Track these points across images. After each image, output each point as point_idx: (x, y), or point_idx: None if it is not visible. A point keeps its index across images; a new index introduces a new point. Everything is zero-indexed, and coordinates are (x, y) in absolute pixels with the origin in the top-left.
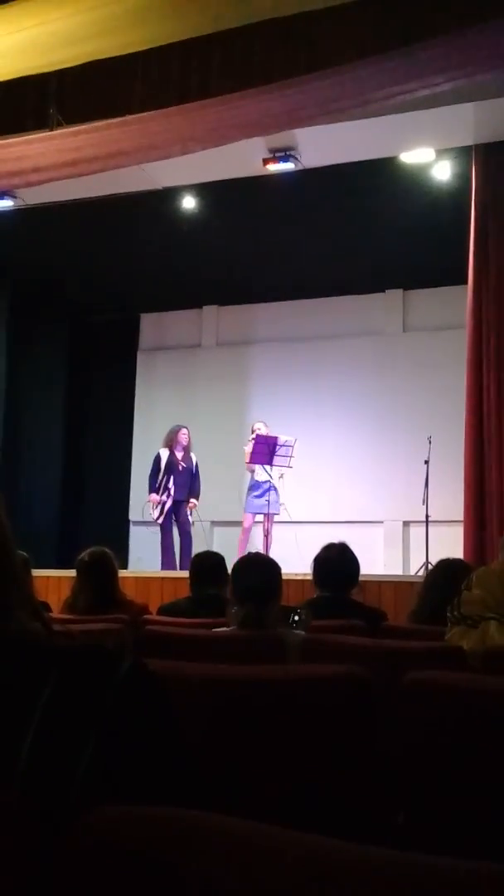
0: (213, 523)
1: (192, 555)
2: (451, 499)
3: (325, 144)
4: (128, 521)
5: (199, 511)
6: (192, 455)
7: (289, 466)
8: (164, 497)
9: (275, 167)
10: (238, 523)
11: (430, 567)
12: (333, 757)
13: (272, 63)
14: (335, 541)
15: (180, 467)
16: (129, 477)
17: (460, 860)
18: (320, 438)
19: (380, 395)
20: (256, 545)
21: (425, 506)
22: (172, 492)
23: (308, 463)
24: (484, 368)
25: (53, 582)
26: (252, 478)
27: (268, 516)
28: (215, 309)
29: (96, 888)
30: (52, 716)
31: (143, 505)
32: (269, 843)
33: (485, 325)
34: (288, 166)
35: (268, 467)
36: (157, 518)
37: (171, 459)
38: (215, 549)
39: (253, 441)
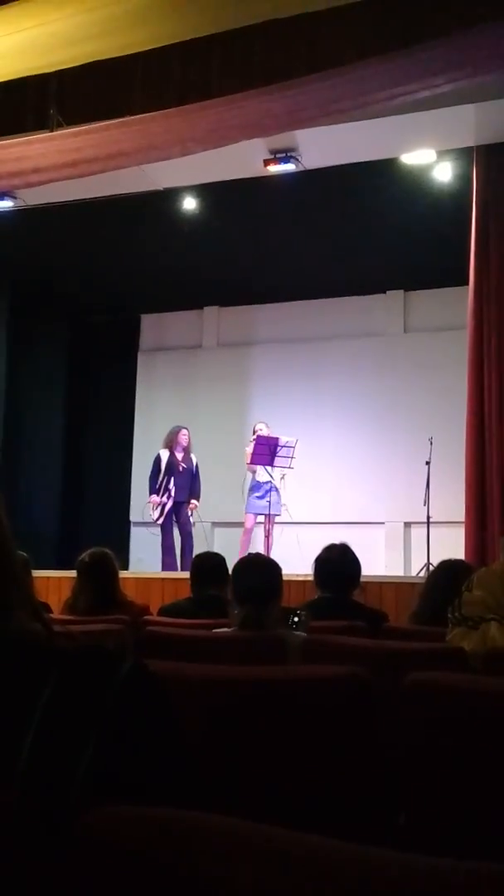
0: (214, 524)
1: (193, 555)
2: (452, 500)
3: (326, 145)
4: (128, 522)
5: (200, 512)
6: (193, 456)
7: (290, 467)
8: (164, 498)
9: (275, 168)
10: (239, 524)
11: (431, 568)
12: (334, 758)
13: (273, 64)
14: (336, 542)
15: (181, 468)
16: (129, 478)
17: (461, 861)
18: (321, 439)
19: (381, 395)
20: (258, 546)
21: (426, 507)
22: (173, 493)
23: (309, 464)
24: (485, 369)
25: (54, 583)
26: (253, 478)
27: (269, 517)
28: (216, 310)
29: (96, 888)
30: (52, 716)
31: (144, 506)
32: (269, 844)
33: (486, 325)
34: (289, 167)
35: (269, 468)
36: (157, 519)
37: (172, 460)
38: (216, 549)
39: (254, 442)
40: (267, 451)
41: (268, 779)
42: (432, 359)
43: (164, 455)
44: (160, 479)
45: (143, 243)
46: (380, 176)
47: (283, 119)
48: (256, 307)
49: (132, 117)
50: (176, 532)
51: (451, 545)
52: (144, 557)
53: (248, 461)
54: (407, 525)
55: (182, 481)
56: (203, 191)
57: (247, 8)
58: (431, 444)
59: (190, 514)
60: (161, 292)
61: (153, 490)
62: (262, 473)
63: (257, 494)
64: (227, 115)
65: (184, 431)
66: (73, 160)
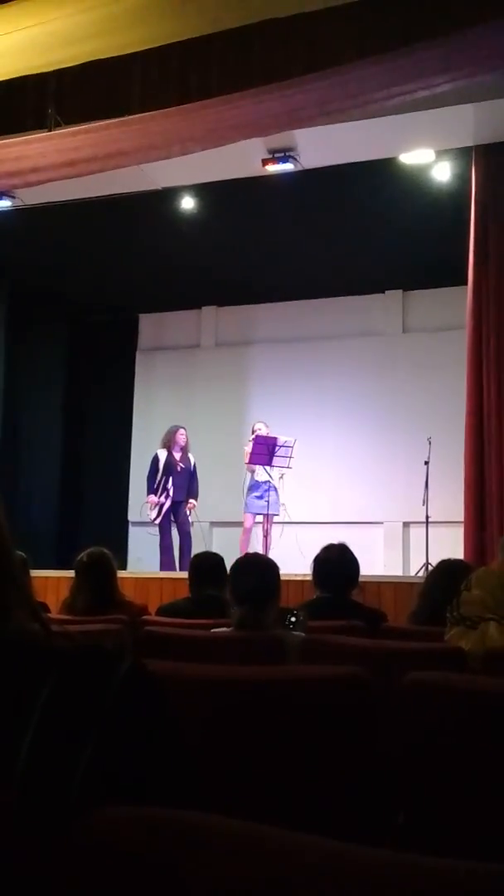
0: (213, 524)
1: (192, 555)
2: (451, 500)
3: (325, 145)
4: (127, 522)
5: (198, 512)
6: (190, 455)
7: (288, 467)
8: (162, 498)
9: (274, 168)
10: (237, 524)
11: (430, 568)
12: (333, 758)
13: (271, 63)
14: (335, 541)
15: (179, 468)
16: (128, 477)
17: (460, 861)
18: (320, 439)
19: (379, 395)
20: (257, 546)
21: (425, 507)
22: (171, 492)
23: (308, 464)
24: (484, 369)
25: (52, 582)
26: (252, 478)
27: (267, 517)
28: (214, 309)
29: (96, 889)
30: (50, 716)
31: (141, 506)
32: (268, 845)
33: (485, 325)
34: (287, 167)
35: (268, 468)
36: (155, 519)
37: (170, 460)
38: (214, 549)
39: (252, 441)
40: (265, 450)
41: (267, 779)
42: (431, 359)
43: (162, 455)
44: (158, 478)
45: (142, 243)
46: (378, 176)
47: (282, 118)
48: (255, 307)
49: (131, 117)
50: (174, 532)
51: (450, 545)
52: (143, 557)
53: (247, 461)
54: (406, 525)
55: (180, 481)
56: (201, 190)
57: (245, 8)
58: (430, 443)
59: (188, 513)
60: (159, 292)
61: (151, 490)
62: (260, 473)
63: (256, 494)
64: (225, 115)
65: (181, 431)
66: (71, 160)
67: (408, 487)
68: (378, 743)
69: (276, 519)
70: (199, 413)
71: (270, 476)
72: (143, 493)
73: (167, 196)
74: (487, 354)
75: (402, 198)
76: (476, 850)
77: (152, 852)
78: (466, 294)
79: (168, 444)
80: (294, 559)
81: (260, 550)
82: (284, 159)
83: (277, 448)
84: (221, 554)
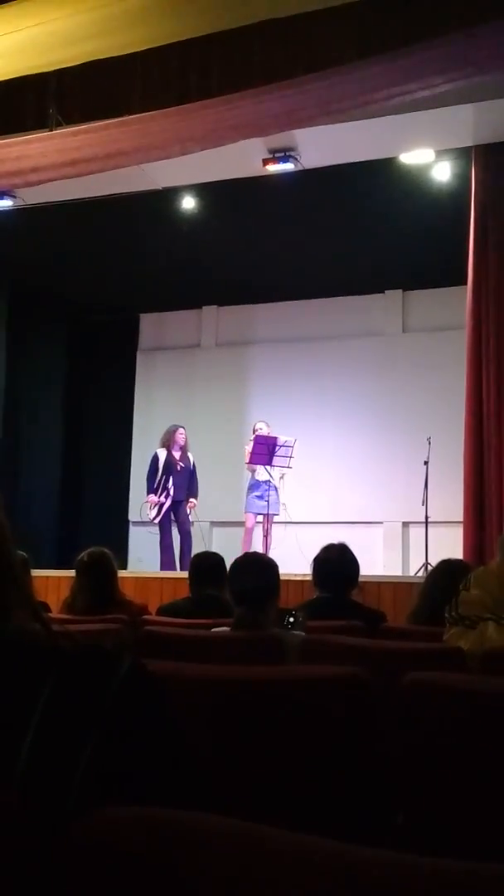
0: (213, 523)
1: (192, 555)
2: (450, 500)
3: (325, 145)
4: (127, 522)
5: (199, 511)
6: (190, 455)
7: (288, 467)
8: (162, 498)
9: (274, 168)
10: (237, 523)
11: (429, 568)
12: (332, 758)
13: (272, 63)
14: (335, 541)
15: (178, 467)
16: (128, 477)
17: (460, 861)
18: (320, 439)
19: (379, 395)
20: (259, 545)
21: (425, 507)
22: (171, 492)
23: (308, 464)
24: (483, 369)
25: (53, 582)
26: (252, 477)
27: (267, 517)
28: (215, 309)
29: (95, 889)
30: (51, 716)
31: (141, 505)
32: (268, 845)
33: (484, 325)
34: (287, 167)
35: (268, 467)
36: (154, 518)
37: (169, 460)
38: (215, 549)
39: (253, 441)
40: (265, 450)
41: (266, 779)
42: (431, 359)
43: (162, 454)
44: (158, 478)
45: (143, 243)
46: (378, 175)
47: (282, 119)
48: (255, 307)
49: (131, 117)
50: (174, 531)
51: (450, 545)
52: (144, 557)
53: (247, 460)
54: (405, 525)
55: (180, 480)
56: (202, 190)
57: (245, 8)
58: (430, 443)
59: (189, 512)
60: (160, 291)
61: (151, 489)
62: (261, 473)
63: (256, 494)
64: (226, 115)
65: (180, 430)
66: (72, 159)
67: (407, 487)
68: (377, 743)
69: (276, 519)
70: (200, 413)
71: (271, 476)
72: (144, 493)
73: (168, 196)
74: (487, 354)
75: (402, 198)
76: (476, 851)
77: (152, 852)
78: (466, 294)
79: (167, 443)
80: (294, 559)
81: (261, 550)
82: (285, 159)
83: (278, 448)
84: (222, 554)
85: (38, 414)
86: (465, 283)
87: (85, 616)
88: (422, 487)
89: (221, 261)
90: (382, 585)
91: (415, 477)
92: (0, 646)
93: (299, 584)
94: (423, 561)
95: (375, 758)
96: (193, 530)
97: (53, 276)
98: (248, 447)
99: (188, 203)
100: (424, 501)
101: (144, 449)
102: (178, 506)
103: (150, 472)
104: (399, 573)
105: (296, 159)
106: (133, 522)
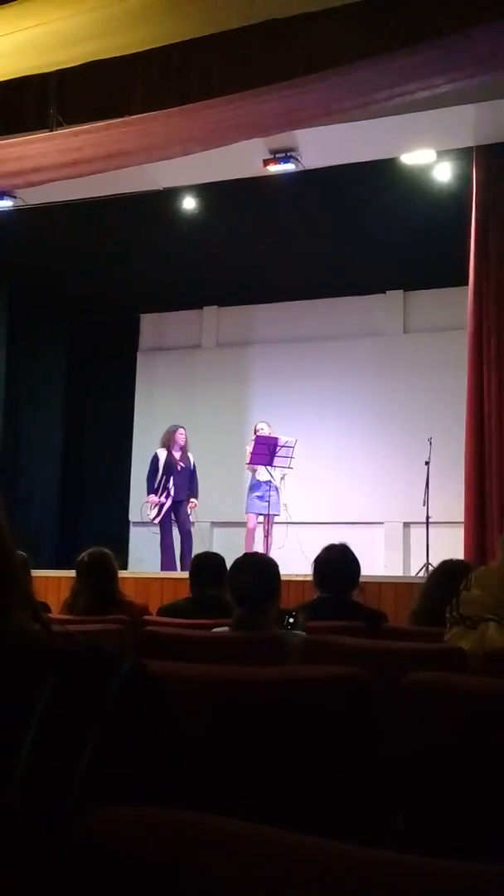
0: (213, 524)
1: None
2: (451, 500)
3: (326, 145)
4: (128, 522)
5: (199, 511)
6: (190, 454)
7: (289, 468)
8: (163, 498)
9: (275, 168)
10: (238, 524)
11: (430, 568)
12: (333, 758)
13: (272, 64)
14: (336, 542)
15: (179, 467)
16: (128, 477)
17: (460, 862)
18: (321, 439)
19: (380, 396)
20: (259, 546)
21: (426, 507)
22: (172, 492)
23: (308, 464)
24: (484, 370)
25: (53, 582)
26: (253, 477)
27: (268, 517)
28: (215, 309)
29: (95, 890)
30: (51, 717)
31: (141, 505)
32: (268, 845)
33: (485, 326)
34: (288, 167)
35: (269, 468)
36: (155, 518)
37: (170, 460)
38: (215, 549)
39: (253, 441)
40: (266, 450)
41: (267, 779)
42: (432, 359)
43: (162, 454)
44: (158, 478)
45: (143, 243)
46: (379, 176)
47: (283, 119)
48: (256, 307)
49: (132, 117)
50: (175, 531)
51: (451, 545)
52: (144, 557)
53: (248, 461)
54: (406, 525)
55: (180, 480)
56: (203, 190)
57: (246, 8)
58: (431, 444)
59: (189, 512)
60: (160, 292)
61: (151, 490)
62: (262, 473)
63: (257, 494)
64: (227, 115)
65: (180, 430)
66: (73, 160)
67: (408, 488)
68: (378, 743)
69: (276, 519)
70: (200, 413)
71: (272, 476)
72: (144, 493)
73: (168, 196)
74: (488, 354)
75: (403, 198)
76: (476, 851)
77: (152, 852)
78: (467, 294)
79: (167, 443)
80: (295, 559)
81: (261, 551)
82: (286, 159)
83: (278, 448)
84: (222, 554)
85: (38, 414)
86: (466, 284)
87: (85, 616)
88: (423, 488)
89: (222, 261)
90: (383, 586)
91: (416, 477)
92: (0, 646)
93: (300, 584)
94: (424, 561)
95: (376, 758)
96: (194, 530)
97: (53, 276)
98: (249, 447)
99: (189, 203)
100: (425, 502)
101: (145, 449)
102: (178, 506)
103: (150, 472)
104: (400, 573)
105: (297, 160)
106: (133, 522)
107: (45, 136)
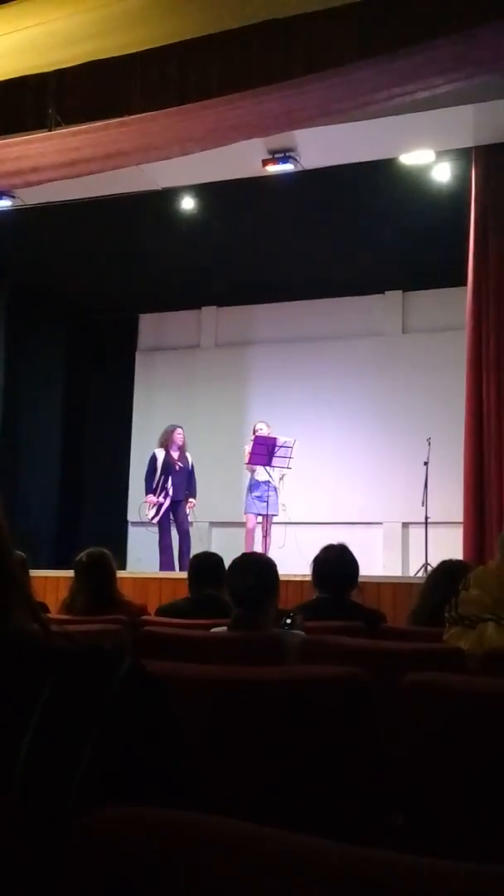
0: (212, 524)
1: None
2: (450, 500)
3: (325, 146)
4: (126, 522)
5: (198, 511)
6: (188, 454)
7: (288, 468)
8: (161, 498)
9: (274, 168)
10: (237, 524)
11: (429, 569)
12: (332, 758)
13: (271, 64)
14: (334, 542)
15: (177, 467)
16: (127, 477)
17: (460, 862)
18: (319, 440)
19: (379, 396)
20: (259, 546)
21: (424, 507)
22: (171, 492)
23: (307, 464)
24: (483, 370)
25: (51, 582)
26: (252, 477)
27: (267, 517)
28: (214, 310)
29: (95, 890)
30: (50, 717)
31: (140, 506)
32: (268, 845)
33: (484, 326)
34: (287, 167)
35: (268, 468)
36: (153, 518)
37: (168, 460)
38: (214, 549)
39: (252, 441)
40: (265, 451)
41: (266, 779)
42: (431, 359)
43: (160, 454)
44: (156, 478)
45: (142, 243)
46: (378, 176)
47: (282, 119)
48: (254, 307)
49: (131, 117)
50: (174, 531)
51: (450, 546)
52: (143, 557)
53: (247, 461)
54: (405, 525)
55: (179, 480)
56: (202, 191)
57: (246, 8)
58: (430, 444)
59: (188, 512)
60: (159, 292)
61: (150, 490)
62: (261, 473)
63: (256, 494)
64: (225, 115)
65: (178, 430)
66: (71, 160)
67: (407, 488)
68: (377, 743)
69: (275, 519)
70: (199, 413)
71: (271, 476)
72: (143, 493)
73: (167, 196)
74: (487, 355)
75: (402, 198)
76: (476, 851)
77: (152, 852)
78: (466, 294)
79: (165, 443)
80: (294, 559)
81: (260, 551)
82: (284, 160)
83: (277, 448)
84: (221, 554)
85: (38, 414)
86: (466, 284)
87: (84, 616)
88: (422, 488)
89: (221, 261)
90: (382, 586)
91: (415, 477)
92: None
93: (299, 584)
94: (423, 561)
95: (375, 758)
96: (192, 530)
97: (53, 276)
98: (248, 447)
99: (188, 203)
100: (424, 502)
101: (144, 449)
102: (176, 506)
103: (148, 472)
104: (399, 574)
105: (296, 160)
106: (132, 523)
107: (43, 135)
